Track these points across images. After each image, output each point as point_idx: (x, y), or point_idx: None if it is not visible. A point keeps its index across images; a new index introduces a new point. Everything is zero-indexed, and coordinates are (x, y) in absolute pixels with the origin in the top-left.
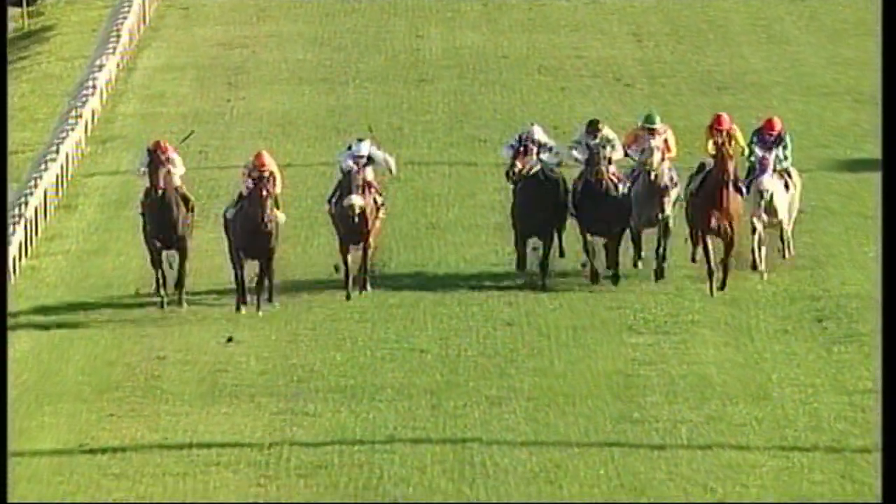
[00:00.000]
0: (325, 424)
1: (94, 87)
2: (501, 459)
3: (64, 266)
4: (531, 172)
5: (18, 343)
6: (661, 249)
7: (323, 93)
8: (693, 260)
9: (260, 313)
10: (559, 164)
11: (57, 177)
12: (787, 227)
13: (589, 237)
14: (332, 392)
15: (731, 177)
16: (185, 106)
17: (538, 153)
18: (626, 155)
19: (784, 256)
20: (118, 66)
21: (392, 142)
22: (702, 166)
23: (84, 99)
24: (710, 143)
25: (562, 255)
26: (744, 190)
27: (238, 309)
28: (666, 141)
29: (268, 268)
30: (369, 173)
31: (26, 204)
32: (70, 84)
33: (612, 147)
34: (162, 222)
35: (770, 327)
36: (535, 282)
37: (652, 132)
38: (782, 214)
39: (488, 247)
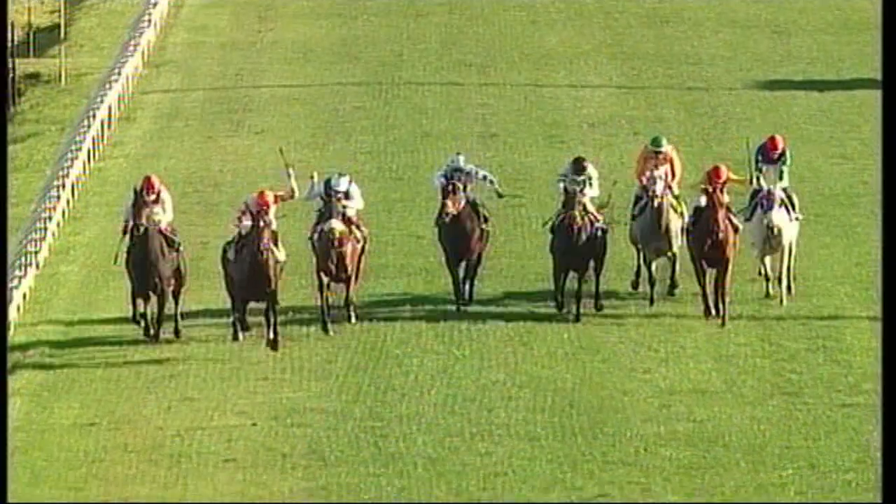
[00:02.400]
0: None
1: (149, 20)
2: (483, 326)
3: (125, 167)
4: (459, 212)
5: (88, 230)
6: (672, 277)
7: (336, 25)
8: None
9: (270, 344)
10: (490, 182)
11: (119, 95)
12: (789, 260)
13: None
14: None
15: (725, 220)
16: (224, 36)
17: (465, 188)
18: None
19: (790, 291)
20: (169, 2)
21: (393, 65)
22: (696, 209)
23: (141, 30)
24: (701, 189)
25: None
26: (740, 225)
27: (235, 338)
28: (672, 164)
29: (272, 307)
30: (355, 204)
31: (94, 117)
32: (130, 18)
33: (590, 186)
34: (144, 270)
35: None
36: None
37: (658, 154)
38: (786, 249)
39: (472, 153)
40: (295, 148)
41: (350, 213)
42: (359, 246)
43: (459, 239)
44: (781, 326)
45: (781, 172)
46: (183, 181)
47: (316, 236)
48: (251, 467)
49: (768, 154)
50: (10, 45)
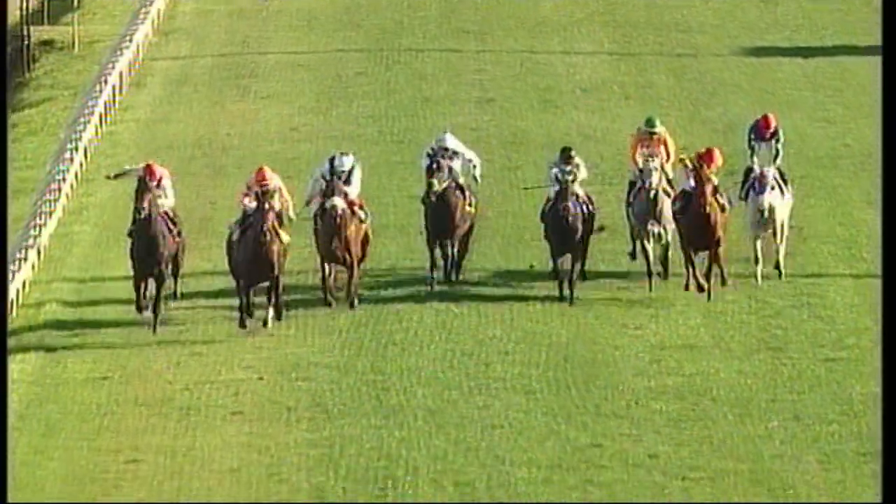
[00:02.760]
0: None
1: None
2: (480, 284)
3: (136, 131)
4: (444, 191)
5: (100, 192)
6: (664, 265)
7: None
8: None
9: (269, 326)
10: (473, 167)
11: (130, 61)
12: (782, 239)
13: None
14: None
15: (712, 198)
16: (231, 4)
17: (450, 168)
18: (638, 168)
19: (779, 271)
20: None
21: (394, 33)
22: (683, 192)
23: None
24: (686, 163)
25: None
26: (728, 203)
27: (242, 325)
28: (666, 146)
29: (276, 288)
30: (352, 191)
31: (106, 82)
32: None
33: (579, 172)
34: (147, 249)
35: None
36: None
37: (652, 136)
38: (779, 229)
39: (470, 116)
40: (299, 112)
41: (352, 195)
42: (363, 227)
43: (443, 217)
44: (767, 284)
45: (777, 152)
46: (192, 145)
47: (319, 212)
48: (257, 420)
49: (761, 132)
50: (25, 12)
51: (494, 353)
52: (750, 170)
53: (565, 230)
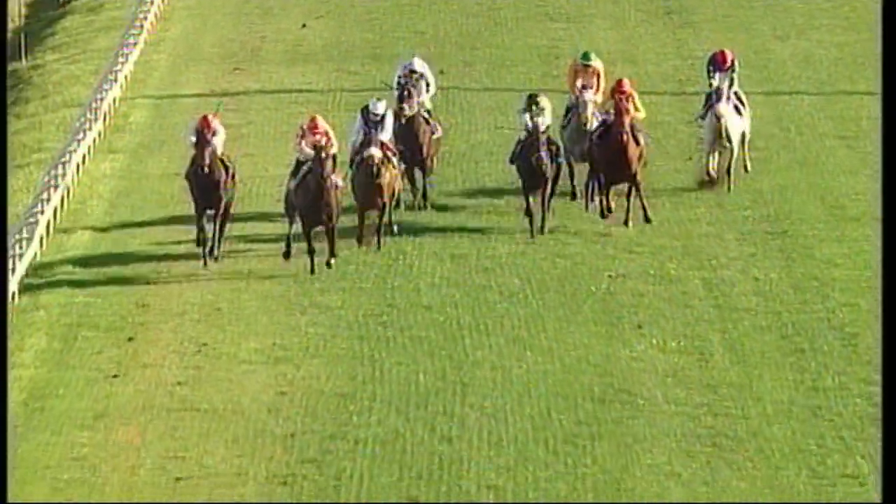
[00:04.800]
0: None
1: None
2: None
3: (165, 63)
4: (413, 116)
5: (136, 113)
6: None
7: None
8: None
9: (331, 263)
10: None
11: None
12: (737, 153)
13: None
14: None
15: (629, 129)
16: None
17: (418, 92)
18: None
19: (728, 185)
20: None
21: None
22: (603, 122)
23: None
24: (610, 102)
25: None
26: (643, 139)
27: (287, 256)
28: (598, 77)
29: (332, 231)
30: (385, 136)
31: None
32: None
33: (545, 116)
34: (205, 187)
35: None
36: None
37: (587, 68)
38: (735, 141)
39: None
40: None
41: (385, 139)
42: (396, 173)
43: (412, 142)
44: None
45: (732, 80)
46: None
47: (358, 161)
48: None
49: (718, 65)
50: None
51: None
52: (709, 94)
53: (538, 178)
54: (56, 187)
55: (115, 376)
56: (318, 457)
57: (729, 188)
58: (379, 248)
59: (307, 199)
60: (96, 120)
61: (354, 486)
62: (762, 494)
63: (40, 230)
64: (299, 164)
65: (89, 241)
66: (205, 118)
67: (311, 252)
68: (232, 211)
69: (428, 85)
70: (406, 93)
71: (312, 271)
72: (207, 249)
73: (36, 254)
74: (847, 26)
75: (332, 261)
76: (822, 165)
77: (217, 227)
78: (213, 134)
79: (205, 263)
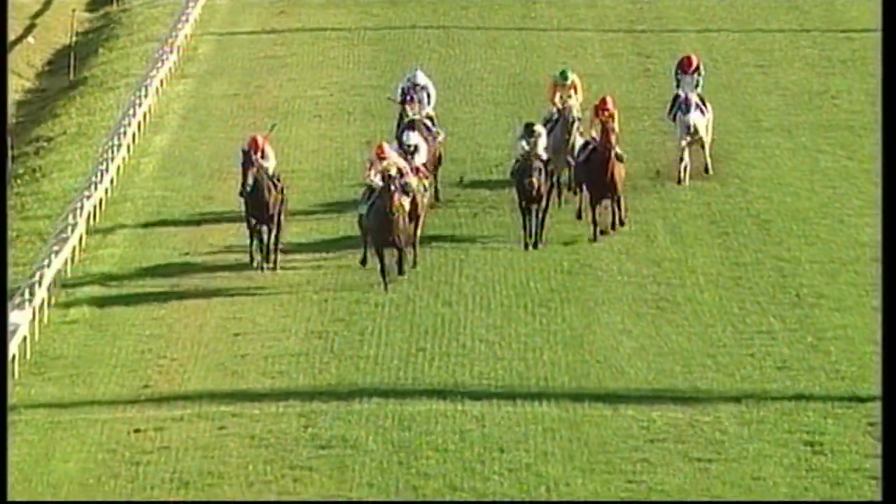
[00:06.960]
0: None
1: None
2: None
3: (226, 6)
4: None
5: (203, 47)
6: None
7: None
8: (578, 217)
9: (403, 277)
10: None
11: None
12: (707, 147)
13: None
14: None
15: (615, 151)
16: None
17: (420, 101)
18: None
19: (707, 171)
20: None
21: None
22: (586, 143)
23: None
24: (596, 121)
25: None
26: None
27: (363, 263)
28: (576, 90)
29: (401, 251)
30: (419, 159)
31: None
32: None
33: (540, 143)
34: (255, 206)
35: None
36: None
37: (564, 86)
38: (704, 138)
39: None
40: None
41: (418, 162)
42: (425, 195)
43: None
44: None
45: (697, 83)
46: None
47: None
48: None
49: (685, 69)
50: None
51: None
52: (676, 97)
53: (532, 198)
54: (140, 105)
55: (186, 253)
56: (346, 317)
57: (707, 170)
58: (401, 273)
59: (376, 224)
60: (171, 52)
61: (374, 340)
62: (696, 346)
63: (128, 138)
64: (371, 190)
65: (167, 146)
66: (254, 140)
67: (383, 272)
68: (284, 221)
69: (429, 96)
70: (409, 98)
71: (363, 263)
72: (262, 257)
73: (129, 147)
74: None
75: (405, 269)
76: (743, 88)
77: (272, 240)
78: (262, 155)
79: (261, 269)
